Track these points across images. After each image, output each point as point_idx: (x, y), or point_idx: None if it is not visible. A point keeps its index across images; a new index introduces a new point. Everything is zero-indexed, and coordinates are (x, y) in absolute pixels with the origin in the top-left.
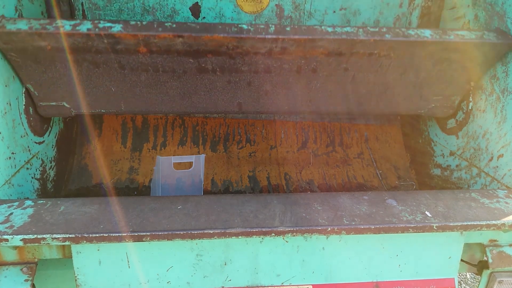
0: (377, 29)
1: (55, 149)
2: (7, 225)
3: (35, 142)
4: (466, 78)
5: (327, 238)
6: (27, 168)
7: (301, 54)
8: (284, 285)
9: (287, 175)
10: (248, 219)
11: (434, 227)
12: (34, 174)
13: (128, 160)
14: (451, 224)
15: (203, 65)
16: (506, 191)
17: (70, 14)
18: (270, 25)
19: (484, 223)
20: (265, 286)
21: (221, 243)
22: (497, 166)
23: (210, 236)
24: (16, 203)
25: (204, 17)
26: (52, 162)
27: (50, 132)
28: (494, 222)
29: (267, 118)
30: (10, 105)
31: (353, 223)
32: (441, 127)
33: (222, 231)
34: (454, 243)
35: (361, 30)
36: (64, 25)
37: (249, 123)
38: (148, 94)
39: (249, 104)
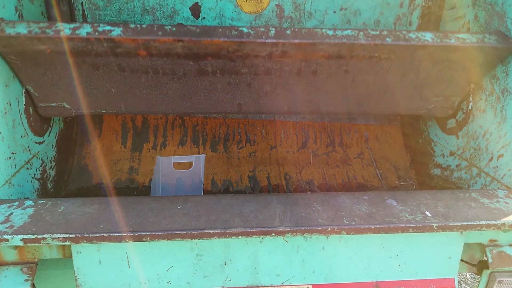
0: (377, 32)
1: (55, 149)
2: (7, 225)
3: (35, 142)
4: (466, 80)
5: (327, 238)
6: (27, 168)
7: (301, 57)
8: (284, 285)
9: (287, 175)
10: (248, 219)
11: (434, 227)
12: (34, 174)
13: (128, 160)
14: (451, 224)
15: (203, 67)
16: (506, 191)
17: (69, 14)
18: (271, 28)
19: (484, 223)
20: (265, 286)
21: (221, 243)
22: (497, 166)
23: (210, 236)
24: (16, 203)
25: (204, 17)
26: (52, 162)
27: (50, 132)
28: (494, 222)
29: (267, 118)
30: (10, 105)
31: (353, 223)
32: (441, 127)
33: (222, 231)
34: (454, 243)
35: (361, 33)
36: (64, 29)
37: (249, 123)
38: (148, 95)
39: (249, 104)
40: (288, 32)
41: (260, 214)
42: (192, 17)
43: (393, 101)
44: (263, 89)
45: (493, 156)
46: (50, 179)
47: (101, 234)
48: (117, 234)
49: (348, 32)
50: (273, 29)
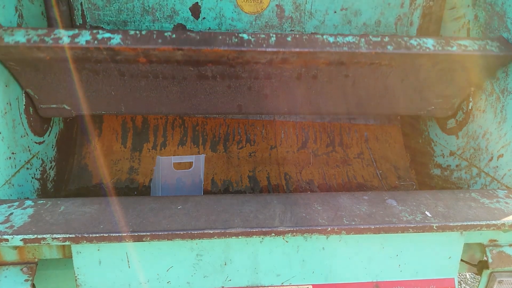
0: (379, 39)
1: (55, 149)
2: (7, 225)
3: (35, 142)
4: (466, 83)
5: (327, 238)
6: (27, 168)
7: (302, 64)
8: (284, 285)
9: (287, 175)
10: (248, 219)
11: (434, 227)
12: (34, 174)
13: (128, 160)
14: (451, 224)
15: (203, 72)
16: (506, 191)
17: (69, 14)
18: (271, 35)
19: (484, 223)
20: (265, 286)
21: (221, 243)
22: (497, 166)
23: (210, 236)
24: (16, 203)
25: (204, 18)
26: (52, 162)
27: (50, 132)
28: (494, 222)
29: (267, 118)
30: (10, 105)
31: (353, 223)
32: (441, 127)
33: (222, 231)
34: (454, 243)
35: (363, 40)
36: (63, 37)
37: (249, 123)
38: (148, 97)
39: (249, 106)
40: (289, 39)
41: (260, 214)
42: (192, 17)
43: (393, 103)
44: (263, 92)
45: (493, 156)
46: (50, 179)
47: (101, 234)
48: (117, 234)
49: (349, 38)
50: (274, 35)
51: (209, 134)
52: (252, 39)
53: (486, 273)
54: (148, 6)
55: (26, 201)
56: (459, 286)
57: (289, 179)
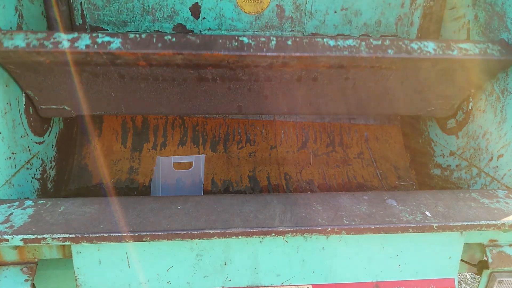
0: (379, 42)
1: (55, 149)
2: (7, 225)
3: (35, 142)
4: (467, 85)
5: (327, 238)
6: (27, 168)
7: (302, 67)
8: (284, 285)
9: (287, 175)
10: (248, 219)
11: (434, 227)
12: (34, 174)
13: (128, 160)
14: (451, 224)
15: (203, 75)
16: (506, 191)
17: (68, 14)
18: (271, 38)
19: (484, 223)
20: (265, 286)
21: (221, 243)
22: (497, 166)
23: (210, 236)
24: (16, 203)
25: (204, 18)
26: (52, 162)
27: (50, 132)
28: (494, 222)
29: (267, 118)
30: (10, 105)
31: (353, 223)
32: (441, 127)
33: (222, 231)
34: (454, 243)
35: (363, 43)
36: (62, 41)
37: (249, 123)
38: (148, 98)
39: (249, 107)
40: (289, 42)
41: (260, 214)
42: (192, 17)
43: (393, 104)
44: (263, 93)
45: (493, 156)
46: (50, 179)
47: (101, 234)
48: (117, 234)
49: (350, 42)
50: (274, 39)
51: (209, 134)
52: (252, 43)
53: (486, 273)
54: (148, 6)
55: (26, 201)
56: (459, 286)
57: (289, 179)
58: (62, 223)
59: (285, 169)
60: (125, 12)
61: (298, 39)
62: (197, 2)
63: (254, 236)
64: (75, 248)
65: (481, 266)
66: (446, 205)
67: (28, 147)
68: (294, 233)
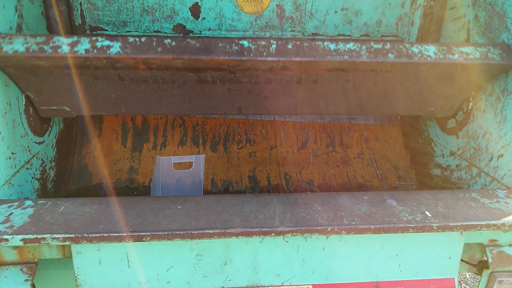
0: (380, 46)
1: (55, 149)
2: (7, 225)
3: (35, 142)
4: (467, 86)
5: (327, 238)
6: (27, 168)
7: (302, 70)
8: (284, 285)
9: (287, 175)
10: (248, 219)
11: (434, 227)
12: (34, 174)
13: (128, 160)
14: (451, 224)
15: (203, 77)
16: (506, 191)
17: (68, 14)
18: (272, 41)
19: (484, 223)
20: (265, 286)
21: (221, 243)
22: (497, 166)
23: (210, 236)
24: (16, 203)
25: (204, 18)
26: (52, 162)
27: (50, 132)
28: (494, 222)
29: (267, 118)
30: (10, 105)
31: (353, 223)
32: (441, 127)
33: (222, 231)
34: (454, 243)
35: (364, 47)
36: (62, 45)
37: (249, 123)
38: (148, 99)
39: (249, 107)
40: (290, 46)
41: (260, 214)
42: (192, 17)
43: (393, 105)
44: (263, 94)
45: (493, 156)
46: (50, 179)
47: (101, 234)
48: (117, 234)
49: (351, 45)
50: (274, 42)
51: (209, 134)
52: (253, 47)
53: (486, 273)
54: (148, 6)
55: (26, 201)
56: (459, 286)
57: (289, 179)
58: (62, 223)
59: (285, 169)
60: (125, 12)
61: (298, 43)
62: (197, 2)
63: (254, 236)
64: (75, 248)
65: (481, 266)
66: (446, 205)
67: (28, 147)
68: (294, 233)
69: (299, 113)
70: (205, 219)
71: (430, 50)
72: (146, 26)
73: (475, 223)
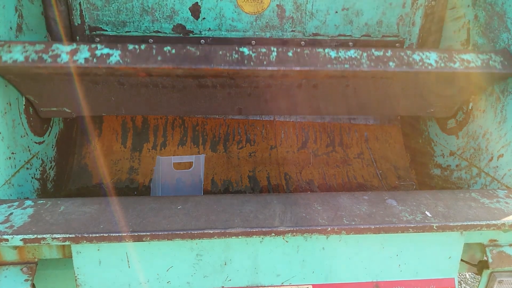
0: (381, 53)
1: (55, 149)
2: (7, 225)
3: (35, 142)
4: (467, 89)
5: (327, 238)
6: (27, 168)
7: (302, 77)
8: (284, 285)
9: (287, 175)
10: (248, 219)
11: (434, 227)
12: (34, 174)
13: (128, 160)
14: (451, 224)
15: (203, 83)
16: (506, 191)
17: (67, 14)
18: (272, 49)
19: (484, 223)
20: (265, 286)
21: (221, 243)
22: (497, 166)
23: (210, 236)
24: (16, 203)
25: (204, 18)
26: (52, 162)
27: (50, 132)
28: (494, 222)
29: (267, 118)
30: (10, 105)
31: (353, 223)
32: (441, 127)
33: (222, 231)
34: (454, 243)
35: (365, 54)
36: (61, 54)
37: (249, 123)
38: (148, 101)
39: (249, 109)
40: (290, 54)
41: (260, 214)
42: (192, 18)
43: (393, 106)
44: (263, 97)
45: (493, 156)
46: (50, 179)
47: (101, 234)
48: (117, 234)
49: (351, 53)
50: (275, 50)
51: (209, 134)
52: (253, 54)
53: (486, 273)
54: (148, 6)
55: (26, 201)
56: (459, 286)
57: (289, 179)
58: (62, 223)
59: (285, 169)
60: (124, 12)
61: (299, 50)
62: (197, 2)
63: (254, 236)
64: (75, 248)
65: (481, 266)
66: (446, 205)
67: (28, 147)
68: (294, 233)
69: (299, 113)
70: (205, 219)
71: (431, 57)
72: (145, 26)
73: (475, 223)
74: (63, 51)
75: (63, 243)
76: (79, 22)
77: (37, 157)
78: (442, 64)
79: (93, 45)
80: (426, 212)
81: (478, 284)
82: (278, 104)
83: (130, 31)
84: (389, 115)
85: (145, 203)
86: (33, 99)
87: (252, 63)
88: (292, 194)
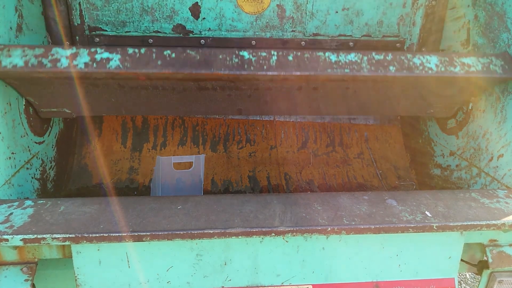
0: (382, 57)
1: (55, 149)
2: (7, 225)
3: (35, 142)
4: (467, 90)
5: (327, 238)
6: (27, 168)
7: (302, 81)
8: (284, 285)
9: (287, 175)
10: (248, 219)
11: (434, 227)
12: (34, 174)
13: (128, 160)
14: (451, 224)
15: (203, 85)
16: (506, 191)
17: (67, 13)
18: (272, 53)
19: (484, 223)
20: (265, 286)
21: (221, 243)
22: (497, 166)
23: (210, 236)
24: (16, 203)
25: (204, 18)
26: (52, 162)
27: (50, 132)
28: (494, 222)
29: (267, 118)
30: (10, 105)
31: (353, 223)
32: (441, 127)
33: (222, 231)
34: (454, 243)
35: (365, 58)
36: (61, 58)
37: (249, 123)
38: (148, 102)
39: (249, 109)
40: (290, 58)
41: (260, 214)
42: (192, 18)
43: (393, 106)
44: (263, 98)
45: (493, 156)
46: (50, 179)
47: (101, 234)
48: (117, 234)
49: (352, 57)
50: (275, 54)
51: (209, 134)
52: (253, 58)
53: (486, 273)
54: (147, 6)
55: (26, 201)
56: (459, 286)
57: (289, 179)
58: (62, 223)
59: (285, 169)
60: (124, 12)
61: (299, 54)
62: (197, 2)
63: (254, 236)
64: (75, 248)
65: (481, 266)
66: (446, 205)
67: (28, 147)
68: (294, 233)
69: (299, 113)
70: (205, 219)
71: (432, 61)
72: (145, 26)
73: (475, 223)
74: (63, 55)
75: (63, 243)
76: (79, 22)
77: (37, 157)
78: (443, 69)
79: (92, 49)
80: (426, 212)
81: (478, 284)
82: (278, 105)
83: (130, 31)
84: (389, 115)
85: (145, 203)
86: (33, 100)
87: (252, 68)
88: (292, 194)
